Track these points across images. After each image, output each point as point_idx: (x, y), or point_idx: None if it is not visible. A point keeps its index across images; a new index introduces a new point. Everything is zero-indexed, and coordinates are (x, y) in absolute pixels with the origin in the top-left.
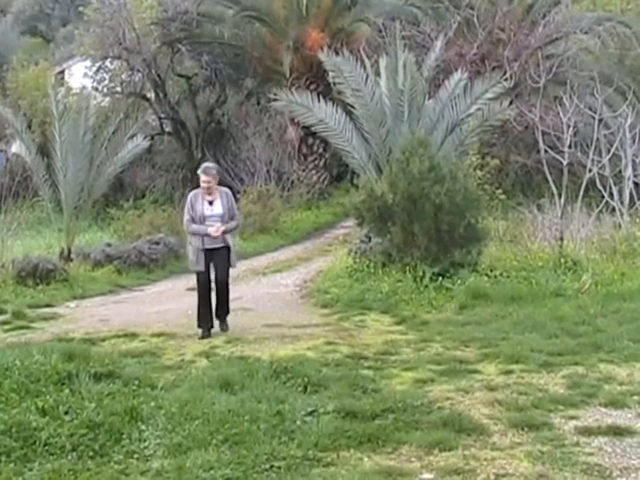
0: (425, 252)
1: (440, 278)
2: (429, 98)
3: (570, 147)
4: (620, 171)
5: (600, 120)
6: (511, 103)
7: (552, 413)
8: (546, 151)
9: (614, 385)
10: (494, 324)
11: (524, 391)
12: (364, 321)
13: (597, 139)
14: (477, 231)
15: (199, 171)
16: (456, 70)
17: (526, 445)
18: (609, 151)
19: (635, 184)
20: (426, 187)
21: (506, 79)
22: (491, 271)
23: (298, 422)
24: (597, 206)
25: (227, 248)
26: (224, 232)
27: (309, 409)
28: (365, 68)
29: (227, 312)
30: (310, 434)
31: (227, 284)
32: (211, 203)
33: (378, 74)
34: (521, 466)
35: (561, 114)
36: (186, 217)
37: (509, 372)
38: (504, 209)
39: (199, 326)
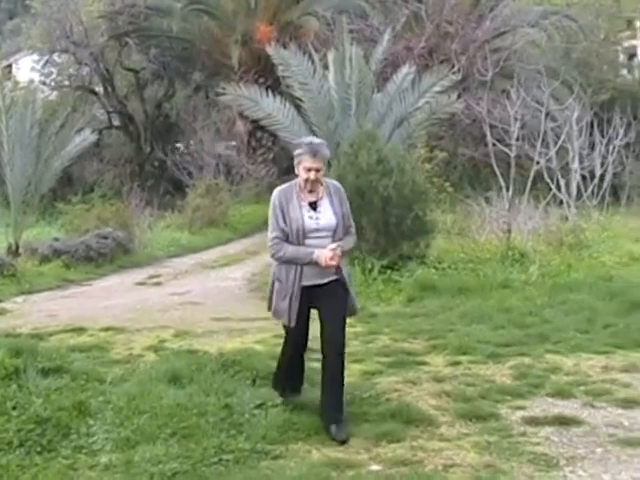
0: (373, 245)
1: (388, 271)
2: (377, 91)
3: (517, 140)
4: (567, 164)
5: (547, 113)
6: (459, 96)
7: (499, 404)
8: (494, 144)
9: (561, 375)
10: (442, 316)
11: (471, 382)
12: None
13: (544, 132)
14: (425, 224)
15: (300, 151)
16: (404, 63)
17: (473, 436)
18: (556, 144)
19: (582, 176)
20: (374, 180)
21: (454, 72)
22: (439, 263)
23: (246, 415)
24: (544, 198)
25: (339, 282)
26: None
27: (257, 402)
28: (313, 62)
29: (342, 407)
30: (258, 427)
31: (343, 349)
32: (315, 207)
33: (326, 68)
34: (468, 456)
35: (508, 107)
36: (273, 233)
37: (457, 363)
38: (452, 202)
39: (276, 390)
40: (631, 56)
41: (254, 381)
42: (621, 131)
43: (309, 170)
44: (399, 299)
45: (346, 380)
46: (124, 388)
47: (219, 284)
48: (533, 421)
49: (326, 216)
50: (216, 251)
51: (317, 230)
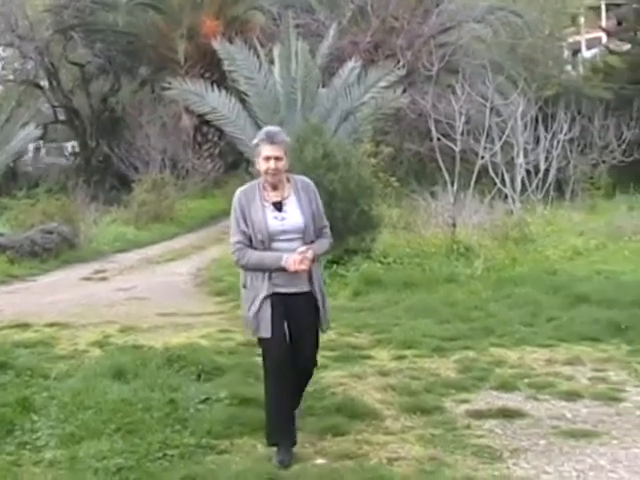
0: None
1: (334, 265)
2: (323, 86)
3: (462, 134)
4: (512, 158)
5: (492, 108)
6: (404, 91)
7: (444, 397)
8: (439, 139)
9: (505, 369)
10: (387, 310)
11: (416, 376)
12: None
13: (489, 127)
14: (371, 218)
15: (257, 140)
16: (350, 58)
17: (418, 429)
18: (501, 138)
19: (527, 171)
20: (320, 175)
21: (399, 67)
22: (385, 258)
23: (191, 410)
24: (489, 193)
25: (310, 295)
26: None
27: (202, 397)
28: (259, 56)
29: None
30: (203, 422)
31: (313, 367)
32: (280, 207)
33: (272, 62)
34: (413, 450)
35: (453, 102)
36: (235, 237)
37: (402, 357)
38: (398, 196)
39: (271, 442)
40: (575, 52)
41: (199, 376)
42: (565, 126)
43: (268, 159)
44: (345, 293)
45: None
46: (69, 384)
47: (165, 279)
48: (477, 414)
49: (293, 216)
50: (162, 246)
51: (284, 232)
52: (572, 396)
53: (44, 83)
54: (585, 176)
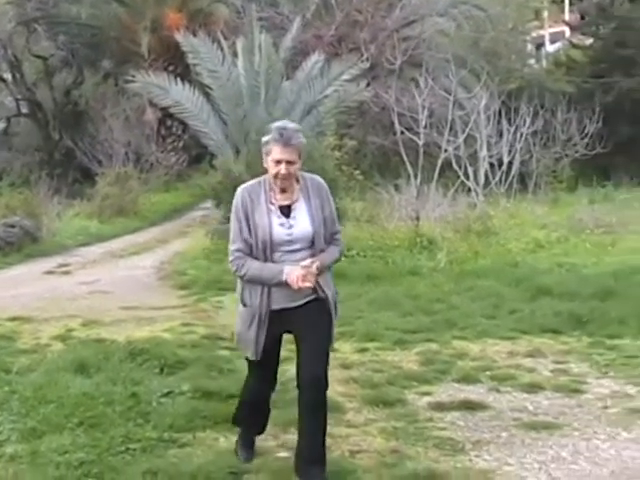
0: None
1: None
2: (286, 79)
3: (426, 128)
4: (475, 151)
5: (455, 101)
6: (368, 85)
7: (406, 390)
8: (402, 132)
9: (467, 361)
10: (350, 303)
11: (379, 368)
12: (221, 302)
13: (452, 120)
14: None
15: (268, 138)
16: (313, 52)
17: (380, 422)
18: (464, 132)
19: (490, 164)
20: None
21: (362, 61)
22: (348, 251)
23: (154, 404)
24: (453, 186)
25: (320, 303)
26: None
27: (165, 390)
28: (222, 49)
29: (324, 456)
30: (166, 415)
31: (325, 387)
32: (288, 212)
33: (236, 55)
34: (375, 442)
35: (416, 95)
36: (236, 245)
37: (364, 350)
38: (362, 190)
39: (238, 452)
40: (539, 46)
41: (162, 370)
42: (528, 119)
43: (278, 163)
44: None
45: None
46: (31, 378)
47: (128, 273)
48: (439, 406)
49: (301, 224)
50: (125, 240)
51: (290, 242)
52: (534, 388)
53: (7, 76)
54: (548, 169)
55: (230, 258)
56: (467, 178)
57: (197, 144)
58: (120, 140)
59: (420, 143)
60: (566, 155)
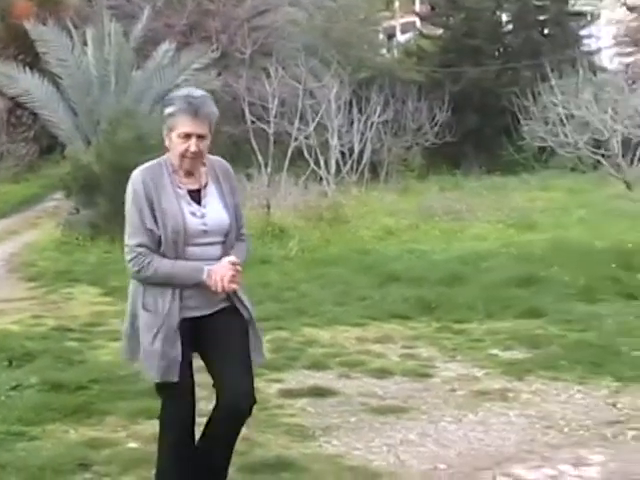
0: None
1: None
2: (137, 68)
3: (276, 117)
4: (326, 140)
5: (305, 90)
6: (219, 74)
7: (256, 377)
8: (253, 122)
9: (317, 348)
10: None
11: None
12: (71, 293)
13: (303, 109)
14: None
15: (173, 109)
16: (164, 41)
17: None
18: (314, 120)
19: (341, 153)
20: (132, 157)
21: (213, 50)
22: None
23: (2, 397)
24: (304, 174)
25: (237, 309)
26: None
27: (13, 384)
28: (72, 38)
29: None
30: (14, 409)
31: (251, 405)
32: (198, 198)
33: (86, 44)
34: None
35: (267, 85)
36: (137, 239)
37: None
38: None
39: None
40: (390, 36)
41: (10, 362)
42: (379, 108)
43: (187, 137)
44: None
45: (104, 359)
46: None
47: None
48: (289, 393)
49: (214, 212)
50: None
51: (204, 234)
52: (383, 373)
53: None
54: (399, 158)
55: (129, 256)
56: (318, 167)
57: (48, 134)
58: None
59: (270, 132)
60: (417, 144)
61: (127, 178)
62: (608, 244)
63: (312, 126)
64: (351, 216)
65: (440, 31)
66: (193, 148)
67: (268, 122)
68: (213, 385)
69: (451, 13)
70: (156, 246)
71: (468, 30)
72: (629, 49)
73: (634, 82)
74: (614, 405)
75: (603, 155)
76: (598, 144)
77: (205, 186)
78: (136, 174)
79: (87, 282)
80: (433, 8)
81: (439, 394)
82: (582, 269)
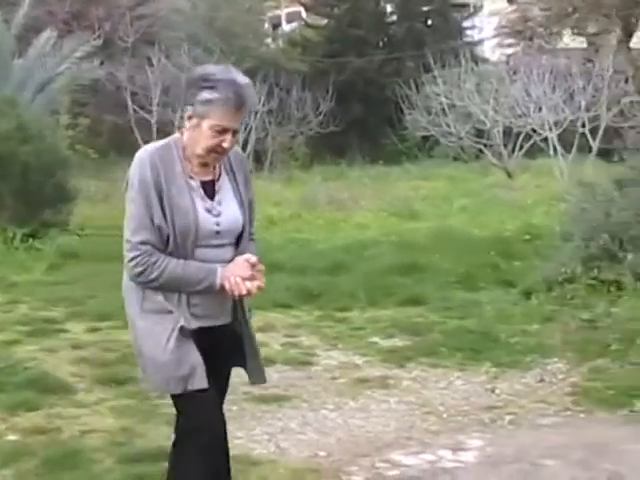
0: (14, 213)
1: (31, 239)
2: (18, 57)
3: (159, 106)
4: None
5: None
6: (102, 63)
7: (138, 367)
8: (135, 110)
9: None
10: (84, 283)
11: (111, 347)
12: None
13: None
14: (67, 190)
15: (215, 95)
16: (46, 28)
17: (111, 400)
18: None
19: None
20: (13, 146)
21: (95, 38)
22: (82, 230)
23: None
24: None
25: (232, 328)
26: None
27: None
28: None
29: None
30: None
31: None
32: (212, 192)
33: None
34: (106, 421)
35: (149, 73)
36: (141, 235)
37: (97, 330)
38: (98, 168)
39: None
40: (275, 26)
41: None
42: (263, 98)
43: (223, 132)
44: (40, 267)
45: None
46: None
47: None
48: None
49: (229, 210)
50: None
51: (217, 235)
52: (265, 362)
53: None
54: (283, 147)
55: (131, 254)
56: None
57: None
58: None
59: (153, 121)
60: (301, 133)
61: (9, 167)
62: (488, 232)
63: None
64: None
65: (325, 21)
66: (227, 145)
67: (151, 111)
68: None
69: (336, 3)
70: (164, 245)
71: (352, 20)
72: (509, 40)
73: (515, 73)
74: (492, 391)
75: (485, 145)
76: (480, 134)
77: (219, 178)
78: (144, 155)
79: None
80: None
81: (320, 382)
82: (463, 257)
